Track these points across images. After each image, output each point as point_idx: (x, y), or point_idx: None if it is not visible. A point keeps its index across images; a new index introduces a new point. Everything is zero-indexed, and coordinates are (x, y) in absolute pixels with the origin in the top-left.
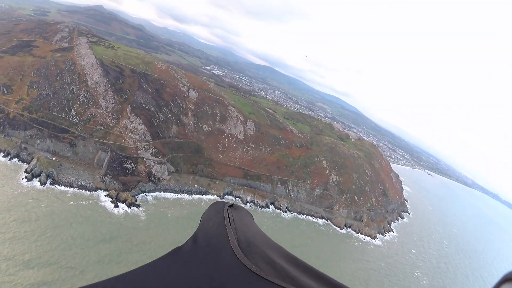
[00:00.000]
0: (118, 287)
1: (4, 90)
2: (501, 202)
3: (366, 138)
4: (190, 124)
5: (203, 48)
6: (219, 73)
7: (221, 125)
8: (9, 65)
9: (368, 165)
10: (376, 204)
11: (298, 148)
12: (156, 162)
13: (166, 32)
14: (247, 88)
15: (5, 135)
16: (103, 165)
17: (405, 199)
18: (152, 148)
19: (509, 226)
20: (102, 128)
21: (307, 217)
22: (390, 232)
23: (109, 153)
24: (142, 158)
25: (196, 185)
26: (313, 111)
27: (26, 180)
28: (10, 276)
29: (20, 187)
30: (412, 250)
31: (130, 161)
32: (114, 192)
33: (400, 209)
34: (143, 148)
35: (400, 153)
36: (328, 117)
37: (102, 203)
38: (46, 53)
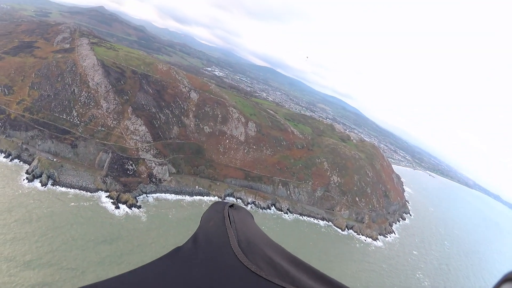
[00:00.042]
0: (119, 287)
1: (5, 91)
2: (503, 202)
3: (368, 139)
4: (191, 125)
5: (204, 49)
6: (220, 74)
7: (222, 126)
8: (10, 66)
9: (370, 166)
10: (377, 205)
11: (299, 149)
12: (157, 163)
13: (168, 33)
14: (248, 89)
15: (6, 136)
16: (104, 166)
17: (407, 201)
18: (153, 149)
19: (511, 227)
20: (103, 129)
21: (308, 218)
22: (392, 233)
23: (110, 154)
24: (143, 159)
25: (197, 186)
26: (314, 112)
27: (27, 181)
28: (11, 277)
29: (21, 188)
30: (414, 252)
31: (131, 162)
32: (115, 193)
33: (402, 210)
34: (144, 149)
35: (402, 154)
36: (329, 118)
37: (103, 204)
38: (47, 54)
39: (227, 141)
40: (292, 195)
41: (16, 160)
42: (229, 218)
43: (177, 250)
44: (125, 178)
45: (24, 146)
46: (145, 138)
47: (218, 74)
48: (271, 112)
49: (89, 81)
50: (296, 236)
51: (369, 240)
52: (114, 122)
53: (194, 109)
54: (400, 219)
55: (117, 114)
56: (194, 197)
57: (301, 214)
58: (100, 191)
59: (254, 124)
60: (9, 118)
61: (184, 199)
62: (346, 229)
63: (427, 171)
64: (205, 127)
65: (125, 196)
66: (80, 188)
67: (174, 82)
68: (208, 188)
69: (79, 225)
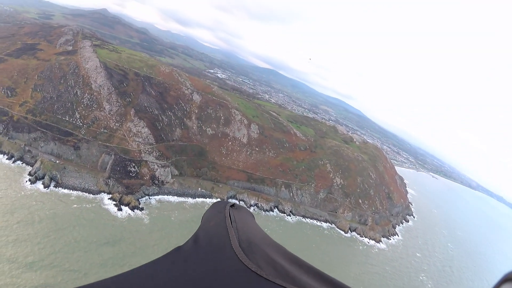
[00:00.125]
0: (119, 287)
1: (8, 92)
2: (506, 204)
3: (370, 141)
4: (194, 127)
5: (206, 51)
6: (223, 76)
7: (224, 128)
8: (13, 68)
9: (373, 168)
10: (380, 207)
11: (302, 151)
12: (160, 165)
13: (170, 35)
14: (251, 91)
15: (9, 138)
16: (106, 168)
17: (410, 202)
18: (155, 151)
19: None
20: (105, 131)
21: (311, 220)
22: (395, 235)
23: (113, 156)
24: (146, 161)
25: (199, 189)
26: (317, 114)
27: (29, 182)
28: (13, 278)
29: (23, 189)
30: (417, 254)
31: (133, 164)
32: (118, 195)
33: (405, 212)
34: (147, 151)
35: (405, 156)
36: (332, 120)
37: (106, 206)
38: (50, 56)
39: (230, 143)
40: (295, 197)
41: (18, 162)
42: (230, 218)
43: (177, 249)
44: (127, 180)
45: (27, 148)
46: (148, 140)
47: (221, 76)
48: (274, 114)
49: (91, 83)
50: (299, 239)
51: (372, 242)
52: (116, 124)
53: (196, 111)
54: (404, 221)
55: (120, 116)
56: (197, 199)
57: (304, 216)
58: (102, 193)
59: (257, 126)
60: (12, 120)
61: (187, 201)
62: (349, 231)
63: (430, 173)
64: (207, 129)
65: (127, 198)
66: (83, 190)
67: (177, 84)
68: (211, 190)
69: (82, 227)
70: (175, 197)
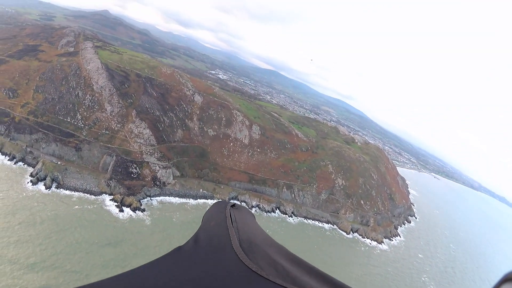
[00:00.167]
0: (119, 287)
1: (10, 94)
2: (508, 204)
3: (372, 142)
4: (195, 128)
5: (208, 53)
6: (224, 77)
7: (226, 129)
8: (15, 69)
9: (374, 169)
10: (382, 208)
11: (303, 152)
12: (161, 167)
13: (171, 36)
14: (252, 92)
15: (10, 139)
16: (108, 169)
17: (412, 203)
18: (157, 152)
19: None
20: (107, 132)
21: (313, 221)
22: (397, 236)
23: (114, 158)
24: (147, 162)
25: (201, 190)
26: (318, 115)
27: (31, 183)
28: (15, 280)
29: (25, 190)
30: (419, 255)
31: (135, 166)
32: (119, 196)
33: (407, 213)
34: (148, 153)
35: (406, 157)
36: (333, 121)
37: (107, 207)
38: (51, 57)
39: (231, 144)
40: (297, 198)
41: (20, 163)
42: (230, 218)
43: (178, 249)
44: (129, 181)
45: (29, 149)
46: (149, 141)
47: (222, 77)
48: (275, 115)
49: (93, 85)
50: (301, 240)
51: (374, 243)
52: (118, 125)
53: (198, 112)
54: (405, 222)
55: (121, 117)
56: (198, 200)
57: (305, 218)
58: (104, 194)
59: (258, 127)
60: (14, 121)
61: (188, 202)
62: (351, 232)
63: (432, 173)
64: (209, 130)
65: (129, 199)
66: (84, 191)
67: (178, 85)
68: (212, 191)
69: (83, 228)
70: (177, 198)
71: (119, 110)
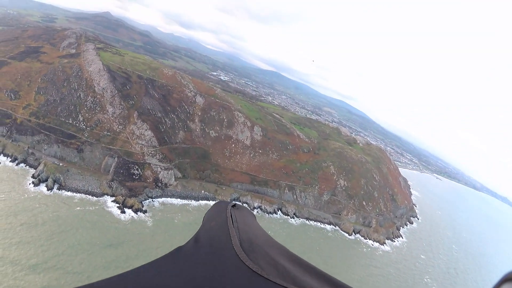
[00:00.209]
0: (119, 287)
1: (12, 95)
2: (510, 205)
3: (374, 143)
4: (197, 130)
5: (209, 54)
6: (226, 78)
7: (228, 130)
8: (16, 71)
9: (376, 170)
10: (384, 209)
11: (305, 153)
12: (163, 168)
13: (173, 38)
14: (254, 93)
15: (12, 140)
16: (110, 170)
17: (414, 204)
18: (159, 153)
19: None
20: (109, 133)
21: (315, 223)
22: (399, 237)
23: (116, 159)
24: (149, 163)
25: (203, 191)
26: (320, 116)
27: (33, 185)
28: (16, 281)
29: (27, 192)
30: (421, 256)
31: (137, 167)
32: (121, 197)
33: (409, 214)
34: (150, 154)
35: (408, 157)
36: (335, 122)
37: (109, 209)
38: (53, 59)
39: (233, 145)
40: (299, 199)
41: (22, 165)
42: (231, 218)
43: (178, 249)
44: (130, 183)
45: (30, 151)
46: (151, 142)
47: (224, 78)
48: (277, 116)
49: (95, 86)
50: (303, 241)
51: (376, 244)
52: (120, 127)
53: (199, 113)
54: (408, 223)
55: (123, 119)
56: (200, 201)
57: (307, 219)
58: (106, 196)
59: (260, 128)
60: (16, 122)
61: (190, 204)
62: (353, 233)
63: (434, 174)
64: (210, 132)
65: (130, 201)
66: (86, 193)
67: (180, 86)
68: (214, 192)
69: (85, 230)
70: (178, 199)
71: (121, 112)
